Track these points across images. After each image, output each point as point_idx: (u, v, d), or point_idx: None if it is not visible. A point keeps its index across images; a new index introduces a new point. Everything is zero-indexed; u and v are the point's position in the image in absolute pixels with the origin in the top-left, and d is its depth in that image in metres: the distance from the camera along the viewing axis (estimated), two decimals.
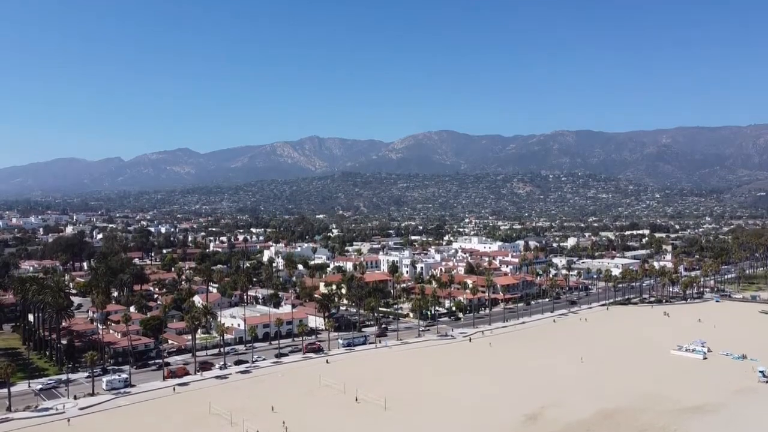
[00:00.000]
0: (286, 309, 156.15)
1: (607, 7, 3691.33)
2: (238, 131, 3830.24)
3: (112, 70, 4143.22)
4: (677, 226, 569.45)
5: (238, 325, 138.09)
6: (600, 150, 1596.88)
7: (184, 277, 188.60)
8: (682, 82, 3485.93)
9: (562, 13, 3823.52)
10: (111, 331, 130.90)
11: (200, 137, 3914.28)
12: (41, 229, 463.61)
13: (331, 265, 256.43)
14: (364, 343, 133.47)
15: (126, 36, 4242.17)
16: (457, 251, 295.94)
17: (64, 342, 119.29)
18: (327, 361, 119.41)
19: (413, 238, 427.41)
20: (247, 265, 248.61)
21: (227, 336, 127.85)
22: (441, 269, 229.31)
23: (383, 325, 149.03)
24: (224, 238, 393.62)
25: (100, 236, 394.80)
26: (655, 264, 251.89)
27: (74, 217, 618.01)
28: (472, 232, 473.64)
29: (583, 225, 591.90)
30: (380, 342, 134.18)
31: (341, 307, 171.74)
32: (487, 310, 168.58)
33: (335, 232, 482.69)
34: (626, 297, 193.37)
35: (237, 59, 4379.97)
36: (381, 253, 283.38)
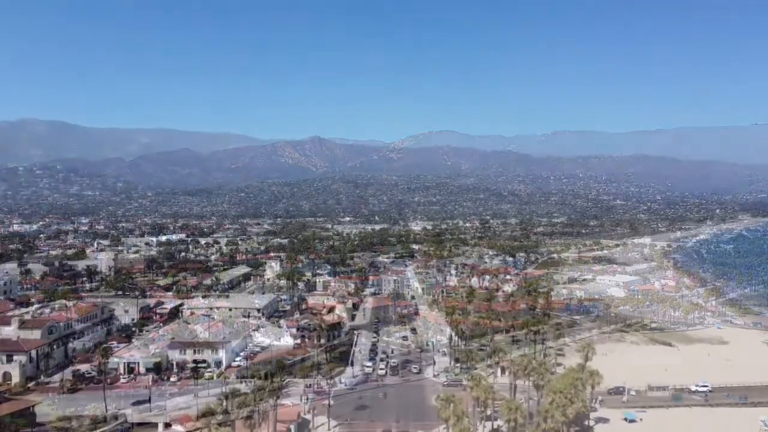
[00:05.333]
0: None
1: (608, 8, 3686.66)
2: (239, 131, 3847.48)
3: (113, 70, 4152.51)
4: (678, 233, 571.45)
5: None
6: (601, 150, 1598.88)
7: None
8: (684, 82, 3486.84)
9: (564, 14, 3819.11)
10: None
11: (201, 137, 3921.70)
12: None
13: (333, 283, 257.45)
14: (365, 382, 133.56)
15: (126, 36, 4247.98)
16: (458, 267, 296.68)
17: None
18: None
19: (414, 247, 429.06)
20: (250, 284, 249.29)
21: None
22: (442, 290, 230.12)
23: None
24: (226, 250, 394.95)
25: (101, 256, 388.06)
26: (656, 284, 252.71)
27: (76, 223, 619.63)
28: (473, 241, 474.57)
29: (584, 231, 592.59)
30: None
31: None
32: (489, 339, 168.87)
33: (336, 240, 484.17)
34: (627, 323, 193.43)
35: (238, 59, 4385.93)
36: (382, 270, 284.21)
